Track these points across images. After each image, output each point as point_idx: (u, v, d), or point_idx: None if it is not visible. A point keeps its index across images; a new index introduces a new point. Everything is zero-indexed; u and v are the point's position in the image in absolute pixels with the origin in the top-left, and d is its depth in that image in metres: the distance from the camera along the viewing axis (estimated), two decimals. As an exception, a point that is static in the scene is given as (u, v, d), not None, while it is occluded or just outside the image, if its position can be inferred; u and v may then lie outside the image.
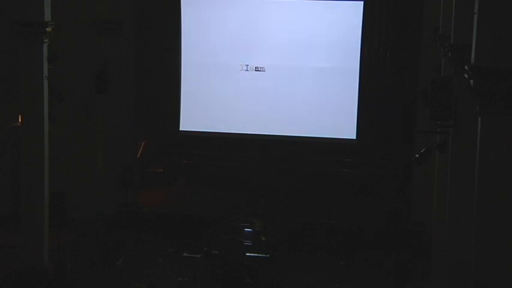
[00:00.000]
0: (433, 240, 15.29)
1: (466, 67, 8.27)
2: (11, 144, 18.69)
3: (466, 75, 8.32)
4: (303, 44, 21.42)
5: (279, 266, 15.14)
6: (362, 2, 21.11)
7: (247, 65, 21.69)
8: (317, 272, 16.24)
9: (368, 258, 17.04)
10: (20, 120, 15.88)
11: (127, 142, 19.87)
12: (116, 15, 18.97)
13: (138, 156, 21.38)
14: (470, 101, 8.98)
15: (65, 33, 17.44)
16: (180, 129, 22.25)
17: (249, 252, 14.80)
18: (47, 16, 14.62)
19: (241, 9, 21.64)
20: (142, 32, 20.97)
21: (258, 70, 21.67)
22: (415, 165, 16.82)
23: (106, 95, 18.38)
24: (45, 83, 14.89)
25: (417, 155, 14.86)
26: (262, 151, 21.64)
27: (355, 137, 21.44)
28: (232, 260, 14.03)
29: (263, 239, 15.48)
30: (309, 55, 21.42)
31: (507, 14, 7.82)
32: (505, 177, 8.00)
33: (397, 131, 20.99)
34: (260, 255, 15.04)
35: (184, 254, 15.30)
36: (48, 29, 14.64)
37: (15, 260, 15.24)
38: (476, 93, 7.99)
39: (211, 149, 22.18)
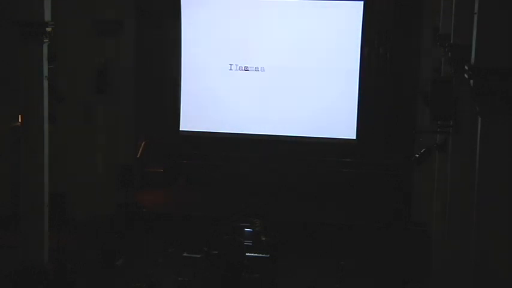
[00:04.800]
0: (433, 240, 15.31)
1: (466, 67, 8.28)
2: (11, 144, 18.68)
3: (466, 75, 8.33)
4: (303, 44, 21.41)
5: (279, 266, 15.13)
6: (362, 2, 21.09)
7: (247, 65, 21.68)
8: (317, 272, 16.24)
9: (368, 258, 17.04)
10: (20, 120, 15.88)
11: (127, 142, 19.86)
12: (116, 15, 18.96)
13: (138, 156, 21.37)
14: (470, 101, 8.98)
15: (65, 33, 17.45)
16: (180, 129, 22.24)
17: (249, 252, 14.79)
18: (47, 16, 14.61)
19: (241, 9, 21.64)
20: (142, 32, 20.96)
21: (258, 70, 21.66)
22: (415, 165, 16.82)
23: (106, 95, 18.37)
24: (45, 83, 14.89)
25: (417, 155, 14.86)
26: (262, 151, 21.64)
27: (355, 137, 21.42)
28: (232, 260, 14.03)
29: (263, 239, 15.46)
30: (308, 55, 21.40)
31: (507, 14, 7.82)
32: (505, 178, 8.00)
33: (397, 131, 21.03)
34: (260, 255, 15.03)
35: (184, 254, 15.28)
36: (48, 29, 14.62)
37: (15, 260, 15.23)
38: (476, 93, 8.00)
39: (211, 149, 22.18)
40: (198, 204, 20.32)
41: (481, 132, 8.13)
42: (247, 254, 14.61)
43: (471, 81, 8.09)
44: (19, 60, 14.98)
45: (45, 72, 14.84)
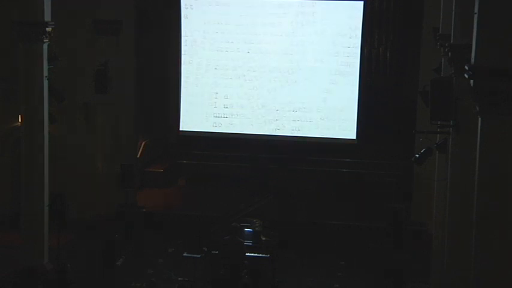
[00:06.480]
0: (433, 240, 15.30)
1: (466, 67, 8.28)
2: (11, 144, 18.68)
3: (466, 75, 8.33)
4: (303, 44, 21.42)
5: (279, 266, 15.13)
6: (362, 2, 21.09)
7: (247, 65, 21.68)
8: (317, 272, 16.24)
9: (368, 258, 17.04)
10: (20, 120, 15.88)
11: (127, 142, 19.86)
12: (115, 15, 18.95)
13: (138, 156, 21.37)
14: (470, 101, 8.98)
15: (65, 33, 17.44)
16: (180, 129, 22.24)
17: (249, 252, 14.80)
18: (47, 16, 14.63)
19: (241, 9, 21.63)
20: (142, 32, 20.96)
21: (258, 70, 21.65)
22: (415, 165, 16.82)
23: (106, 95, 18.36)
24: (45, 83, 14.90)
25: (417, 155, 14.87)
26: (262, 151, 21.63)
27: (355, 137, 21.43)
28: (232, 260, 14.03)
29: (263, 239, 15.47)
30: (308, 55, 21.41)
31: (507, 14, 7.82)
32: (505, 178, 8.00)
33: (397, 131, 21.03)
34: (260, 255, 15.03)
35: (184, 254, 15.28)
36: (48, 29, 14.65)
37: (15, 260, 15.23)
38: (476, 93, 8.00)
39: (211, 149, 22.18)
40: (198, 204, 20.32)
41: (481, 132, 8.13)
42: (247, 254, 14.61)
43: (471, 81, 8.09)
44: (19, 60, 14.99)
45: (45, 72, 14.85)
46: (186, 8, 21.81)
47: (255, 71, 21.66)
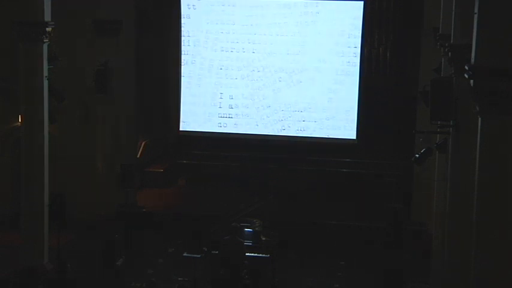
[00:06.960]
0: (433, 240, 15.30)
1: (466, 67, 8.28)
2: (11, 144, 18.67)
3: (466, 75, 8.34)
4: (303, 44, 21.43)
5: (279, 266, 15.13)
6: (362, 2, 21.11)
7: (247, 65, 21.69)
8: (317, 272, 16.24)
9: (368, 258, 17.03)
10: (20, 120, 15.87)
11: (127, 142, 19.86)
12: (116, 15, 18.96)
13: (138, 156, 21.36)
14: (470, 101, 8.98)
15: (65, 33, 17.43)
16: (180, 129, 22.25)
17: (249, 252, 14.79)
18: (47, 16, 14.62)
19: (241, 9, 21.64)
20: (142, 32, 20.95)
21: (258, 70, 21.66)
22: (415, 165, 16.83)
23: (106, 95, 18.36)
24: (45, 83, 14.89)
25: (417, 155, 14.87)
26: (262, 151, 21.63)
27: (355, 137, 21.43)
28: (232, 260, 14.03)
29: (263, 239, 15.46)
30: (309, 55, 21.42)
31: (507, 14, 7.82)
32: (505, 178, 8.00)
33: (397, 131, 21.04)
34: (260, 255, 15.03)
35: (184, 254, 15.28)
36: (48, 29, 14.64)
37: (15, 260, 15.23)
38: (476, 93, 8.01)
39: (211, 149, 22.18)
40: (198, 204, 20.31)
41: (481, 132, 8.13)
42: (247, 254, 14.60)
43: (471, 81, 8.10)
44: (19, 60, 14.98)
45: (45, 72, 14.85)
46: (189, 8, 21.81)
47: (259, 71, 21.67)
